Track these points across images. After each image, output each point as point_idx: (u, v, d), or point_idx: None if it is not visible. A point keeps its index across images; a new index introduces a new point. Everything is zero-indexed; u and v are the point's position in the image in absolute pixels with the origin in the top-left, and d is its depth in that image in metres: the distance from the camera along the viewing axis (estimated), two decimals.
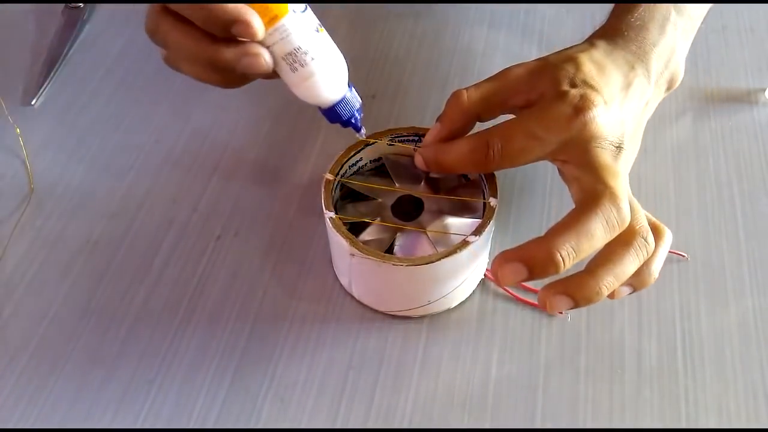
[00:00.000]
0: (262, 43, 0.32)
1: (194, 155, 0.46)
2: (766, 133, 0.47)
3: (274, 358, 0.37)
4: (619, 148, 0.34)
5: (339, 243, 0.35)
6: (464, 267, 0.36)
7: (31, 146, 0.46)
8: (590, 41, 0.37)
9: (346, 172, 0.39)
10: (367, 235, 0.38)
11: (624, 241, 0.32)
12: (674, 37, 0.38)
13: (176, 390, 0.36)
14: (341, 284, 0.40)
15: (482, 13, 0.55)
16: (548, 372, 0.36)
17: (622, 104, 0.35)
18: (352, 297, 0.39)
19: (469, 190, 0.39)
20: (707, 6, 0.41)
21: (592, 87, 0.34)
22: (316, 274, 0.40)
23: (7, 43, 0.53)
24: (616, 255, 0.31)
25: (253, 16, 0.30)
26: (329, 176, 0.38)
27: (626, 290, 0.34)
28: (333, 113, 0.35)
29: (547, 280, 0.32)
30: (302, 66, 0.32)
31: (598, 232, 0.31)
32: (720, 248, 0.41)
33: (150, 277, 0.40)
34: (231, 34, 0.30)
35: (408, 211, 0.39)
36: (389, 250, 0.37)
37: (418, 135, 0.40)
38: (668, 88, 0.40)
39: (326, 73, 0.33)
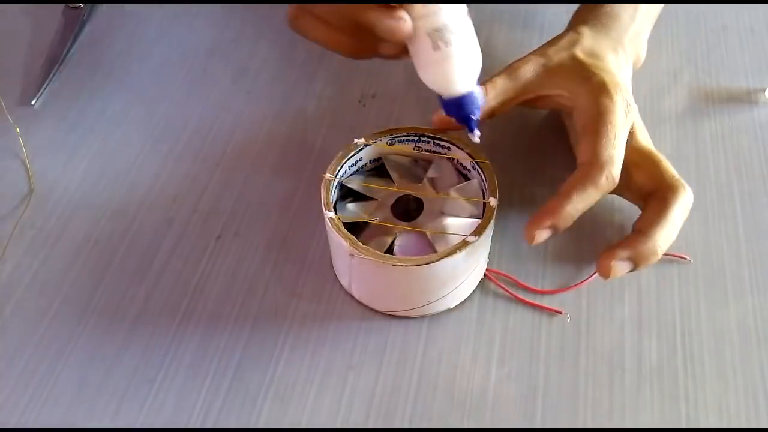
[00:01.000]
0: (410, 12, 0.31)
1: (194, 155, 0.46)
2: (766, 133, 0.47)
3: (274, 358, 0.37)
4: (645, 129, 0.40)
5: (339, 243, 0.35)
6: (464, 267, 0.36)
7: (31, 146, 0.46)
8: (575, 29, 0.41)
9: (345, 172, 0.39)
10: (366, 235, 0.38)
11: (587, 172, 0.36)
12: (642, 22, 0.43)
13: (176, 390, 0.36)
14: (341, 284, 0.40)
15: (482, 13, 0.55)
16: (548, 372, 0.36)
17: (628, 88, 0.39)
18: (352, 297, 0.39)
19: (468, 190, 0.39)
20: None
21: (618, 86, 0.37)
22: (316, 274, 0.40)
23: (7, 43, 0.53)
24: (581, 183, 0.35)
25: (405, 20, 0.31)
26: (329, 176, 0.38)
27: (626, 266, 0.36)
28: (456, 106, 0.34)
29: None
30: (446, 45, 0.31)
31: (680, 220, 0.36)
32: (720, 248, 0.41)
33: (150, 277, 0.40)
34: None
35: (407, 211, 0.39)
36: (389, 250, 0.37)
37: (417, 135, 0.40)
38: (633, 61, 0.44)
39: (465, 60, 0.33)
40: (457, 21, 0.32)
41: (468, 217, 0.38)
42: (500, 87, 0.39)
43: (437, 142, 0.40)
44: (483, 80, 0.39)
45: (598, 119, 0.36)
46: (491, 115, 0.39)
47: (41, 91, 0.49)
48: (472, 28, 0.33)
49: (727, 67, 0.51)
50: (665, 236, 0.36)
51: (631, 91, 0.40)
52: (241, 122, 0.48)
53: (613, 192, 0.38)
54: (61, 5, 0.55)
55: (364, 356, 0.37)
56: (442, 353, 0.37)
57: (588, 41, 0.40)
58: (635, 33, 0.43)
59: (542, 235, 0.35)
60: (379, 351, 0.37)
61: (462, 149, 0.39)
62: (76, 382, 0.36)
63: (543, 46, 0.41)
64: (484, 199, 0.38)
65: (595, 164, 0.35)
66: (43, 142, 0.47)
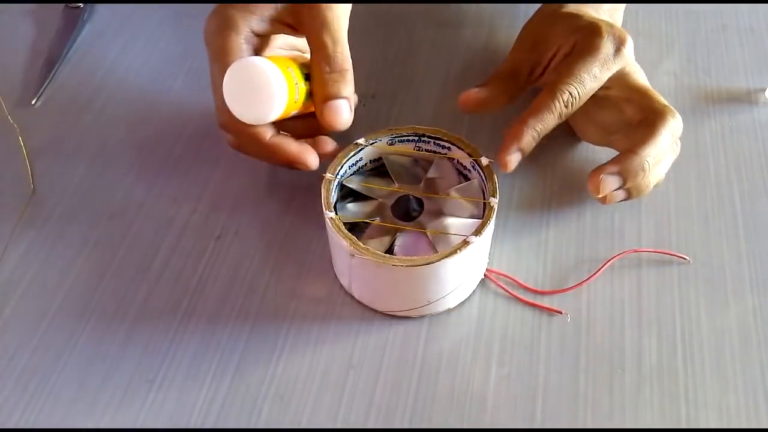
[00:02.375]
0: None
1: (194, 155, 0.46)
2: (766, 133, 0.47)
3: (274, 358, 0.37)
4: (642, 72, 0.41)
5: (339, 243, 0.35)
6: (464, 267, 0.36)
7: (31, 146, 0.46)
8: (556, 2, 0.43)
9: (346, 171, 0.39)
10: (367, 235, 0.38)
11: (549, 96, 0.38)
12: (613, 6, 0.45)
13: (176, 390, 0.36)
14: (341, 284, 0.40)
15: (482, 13, 0.55)
16: (548, 372, 0.36)
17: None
18: (352, 297, 0.39)
19: (468, 190, 0.39)
20: None
21: (608, 24, 0.39)
22: (316, 274, 0.40)
23: (7, 43, 0.53)
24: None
25: (311, 157, 0.38)
26: (329, 176, 0.38)
27: (621, 194, 0.39)
28: None
29: None
30: None
31: (668, 142, 0.38)
32: (720, 248, 0.41)
33: (150, 277, 0.40)
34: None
35: (408, 211, 0.39)
36: (389, 250, 0.37)
37: (417, 135, 0.40)
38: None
39: None
40: None
41: (468, 217, 0.38)
42: (500, 76, 0.41)
43: (437, 142, 0.40)
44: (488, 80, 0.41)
45: (578, 55, 0.38)
46: (495, 102, 0.41)
47: (41, 91, 0.49)
48: None
49: (727, 67, 0.51)
50: (653, 153, 0.37)
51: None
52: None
53: (601, 143, 0.42)
54: (61, 5, 0.55)
55: (364, 356, 0.37)
56: (442, 353, 0.37)
57: (572, 6, 0.41)
58: (611, 9, 0.44)
59: (513, 159, 0.38)
60: (379, 351, 0.37)
61: (462, 149, 0.39)
62: (76, 382, 0.36)
63: (521, 31, 0.43)
64: (484, 199, 0.38)
65: (551, 91, 0.38)
66: (43, 142, 0.47)
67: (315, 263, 0.41)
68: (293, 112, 0.37)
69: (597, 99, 0.40)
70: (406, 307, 0.38)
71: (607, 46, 0.38)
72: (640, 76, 0.40)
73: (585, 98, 0.38)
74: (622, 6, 0.46)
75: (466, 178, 0.40)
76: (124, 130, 0.48)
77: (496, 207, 0.36)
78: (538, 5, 0.55)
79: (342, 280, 0.39)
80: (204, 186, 0.44)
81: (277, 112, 0.34)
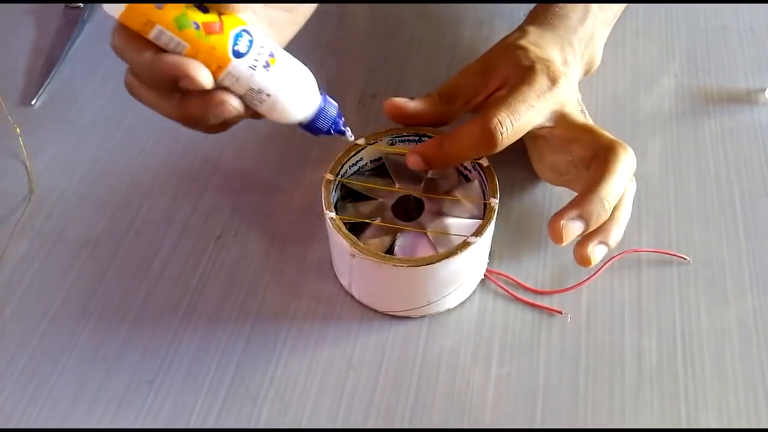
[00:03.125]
0: (220, 88, 0.31)
1: (194, 155, 0.46)
2: (766, 133, 0.47)
3: (274, 358, 0.37)
4: (582, 109, 0.39)
5: (339, 243, 0.35)
6: (465, 268, 0.36)
7: (31, 146, 0.46)
8: (521, 29, 0.42)
9: (346, 172, 0.39)
10: (367, 235, 0.38)
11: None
12: (593, 26, 0.43)
13: (176, 390, 0.36)
14: (341, 284, 0.39)
15: (482, 13, 0.55)
16: (548, 372, 0.36)
17: (569, 75, 0.39)
18: (352, 297, 0.39)
19: (469, 190, 0.39)
20: (621, 7, 0.46)
21: (547, 61, 0.38)
22: (316, 274, 0.40)
23: (7, 43, 0.53)
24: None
25: (196, 68, 0.30)
26: (329, 176, 0.38)
27: (578, 226, 0.35)
28: (313, 128, 0.35)
29: None
30: (260, 102, 0.33)
31: (625, 176, 0.36)
32: (720, 248, 0.41)
33: (150, 276, 0.40)
34: (181, 89, 0.30)
35: (408, 211, 0.39)
36: (389, 250, 0.37)
37: (418, 135, 0.40)
38: (586, 72, 0.44)
39: (289, 99, 0.33)
40: (257, 80, 0.32)
41: (468, 218, 0.38)
42: (432, 98, 0.40)
43: None
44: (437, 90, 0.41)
45: (512, 88, 0.37)
46: (442, 122, 0.40)
47: (41, 91, 0.49)
48: (283, 61, 0.33)
49: (727, 67, 0.51)
50: (611, 190, 0.35)
51: (580, 94, 0.40)
52: (241, 122, 0.48)
53: (558, 183, 0.41)
54: (61, 5, 0.55)
55: (364, 356, 0.37)
56: (442, 353, 0.37)
57: (533, 37, 0.40)
58: (587, 36, 0.43)
59: (415, 160, 0.37)
60: (379, 351, 0.37)
61: None
62: (76, 382, 0.36)
63: (489, 49, 0.42)
64: (484, 199, 0.38)
65: (481, 119, 0.36)
66: (43, 142, 0.47)
67: (315, 263, 0.41)
68: (167, 30, 0.30)
69: (545, 140, 0.39)
70: (406, 307, 0.38)
71: (540, 80, 0.37)
72: (576, 114, 0.38)
73: (520, 129, 0.36)
74: (605, 30, 0.45)
75: (467, 179, 0.40)
76: (124, 129, 0.48)
77: (496, 207, 0.36)
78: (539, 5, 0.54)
79: (342, 280, 0.39)
80: (204, 186, 0.44)
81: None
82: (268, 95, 0.33)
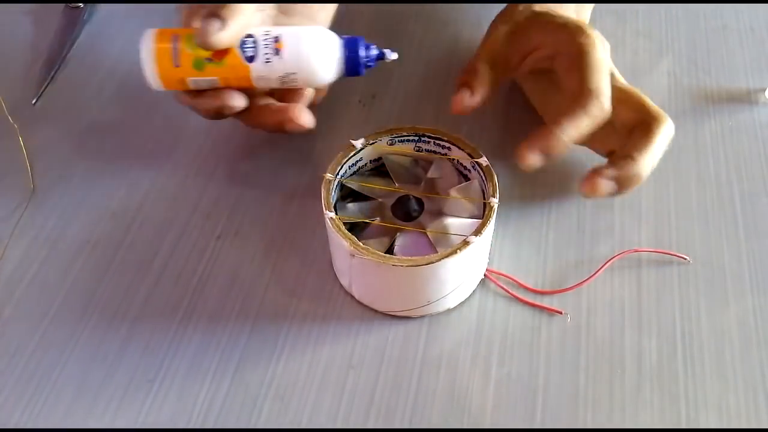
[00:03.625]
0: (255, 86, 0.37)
1: (194, 155, 0.46)
2: (766, 133, 0.47)
3: (274, 358, 0.37)
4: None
5: (339, 243, 0.35)
6: (465, 267, 0.36)
7: (32, 146, 0.46)
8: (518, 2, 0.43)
9: (346, 172, 0.39)
10: (366, 235, 0.38)
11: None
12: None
13: (176, 390, 0.36)
14: (341, 284, 0.40)
15: (482, 13, 0.55)
16: (548, 372, 0.36)
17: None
18: (352, 297, 0.39)
19: (468, 190, 0.39)
20: None
21: (587, 27, 0.39)
22: (316, 274, 0.40)
23: (7, 43, 0.53)
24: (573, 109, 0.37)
25: (228, 98, 0.37)
26: (329, 176, 0.38)
27: (610, 186, 0.37)
28: (352, 74, 0.38)
29: None
30: (294, 82, 0.37)
31: (663, 148, 0.38)
32: (720, 248, 0.41)
33: (150, 277, 0.40)
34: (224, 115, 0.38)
35: (408, 211, 0.39)
36: (389, 250, 0.37)
37: (417, 135, 0.40)
38: None
39: (311, 68, 0.37)
40: (276, 71, 0.36)
41: (468, 218, 0.38)
42: (483, 74, 0.40)
43: (437, 142, 0.40)
44: (463, 75, 0.40)
45: (581, 57, 0.37)
46: (484, 101, 0.40)
47: (41, 91, 0.49)
48: (290, 38, 0.36)
49: (727, 67, 0.51)
50: (649, 161, 0.37)
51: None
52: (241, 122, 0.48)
53: (593, 145, 0.41)
54: (61, 5, 0.55)
55: (364, 356, 0.37)
56: (442, 353, 0.37)
57: (537, 6, 0.41)
58: (577, 8, 0.44)
59: (534, 159, 0.37)
60: (379, 351, 0.37)
61: (462, 149, 0.39)
62: (76, 382, 0.36)
63: (491, 25, 0.43)
64: (484, 199, 0.38)
65: (585, 93, 0.37)
66: (43, 142, 0.47)
67: (315, 263, 0.41)
68: (195, 77, 0.37)
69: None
70: (406, 307, 0.38)
71: (599, 46, 0.38)
72: (619, 75, 0.40)
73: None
74: (590, 6, 0.46)
75: (466, 178, 0.40)
76: (124, 129, 0.48)
77: (496, 207, 0.36)
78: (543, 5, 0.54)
79: (342, 280, 0.39)
80: (204, 186, 0.44)
81: (153, 77, 0.37)
82: (294, 73, 0.36)
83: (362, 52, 0.37)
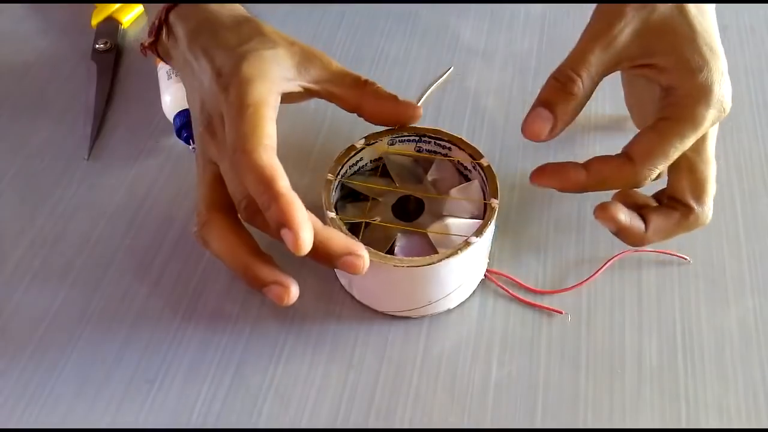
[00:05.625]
0: None
1: (194, 155, 0.46)
2: (766, 133, 0.47)
3: (274, 358, 0.37)
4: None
5: None
6: (465, 268, 0.36)
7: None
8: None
9: (346, 172, 0.39)
10: (367, 235, 0.38)
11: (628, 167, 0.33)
12: None
13: (176, 390, 0.36)
14: (341, 284, 0.39)
15: (482, 13, 0.55)
16: (548, 372, 0.36)
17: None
18: (352, 297, 0.39)
19: (469, 190, 0.39)
20: None
21: (720, 80, 0.32)
22: (316, 274, 0.40)
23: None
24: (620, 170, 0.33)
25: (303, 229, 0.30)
26: (330, 176, 0.38)
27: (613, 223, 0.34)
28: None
29: None
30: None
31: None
32: (720, 248, 0.41)
33: (150, 276, 0.40)
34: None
35: (408, 211, 0.39)
36: (390, 250, 0.37)
37: (418, 135, 0.40)
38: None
39: None
40: None
41: (469, 218, 0.38)
42: (595, 66, 0.33)
43: (438, 142, 0.40)
44: (573, 57, 0.33)
45: (678, 124, 0.32)
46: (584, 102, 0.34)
47: (91, 145, 0.47)
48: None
49: (727, 67, 0.51)
50: (653, 238, 0.35)
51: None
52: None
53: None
54: (88, 53, 0.52)
55: (364, 356, 0.37)
56: (442, 353, 0.37)
57: (694, 8, 0.33)
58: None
59: (547, 182, 0.34)
60: (379, 351, 0.37)
61: (463, 150, 0.39)
62: (76, 382, 0.36)
63: (607, 12, 0.33)
64: (485, 199, 0.38)
65: (638, 163, 0.32)
66: (43, 142, 0.47)
67: (315, 263, 0.40)
68: None
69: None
70: (406, 308, 0.38)
71: (707, 116, 0.32)
72: (712, 146, 0.35)
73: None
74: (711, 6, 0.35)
75: (467, 179, 0.40)
76: (124, 129, 0.48)
77: (497, 208, 0.36)
78: (538, 5, 0.54)
79: (342, 280, 0.39)
80: None
81: None
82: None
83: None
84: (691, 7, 0.33)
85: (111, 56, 0.51)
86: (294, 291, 0.32)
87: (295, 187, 0.44)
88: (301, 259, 0.41)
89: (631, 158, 0.33)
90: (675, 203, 0.36)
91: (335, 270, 0.40)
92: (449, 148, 0.40)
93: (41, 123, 0.48)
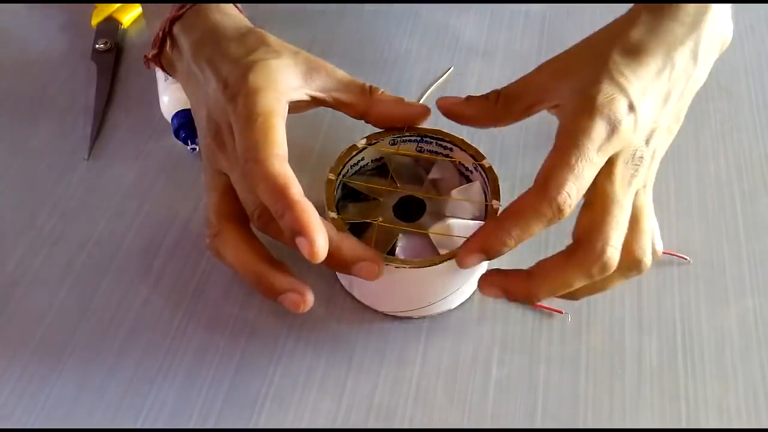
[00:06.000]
0: None
1: (194, 155, 0.46)
2: (766, 133, 0.47)
3: (275, 358, 0.37)
4: (640, 158, 0.33)
5: None
6: (466, 269, 0.36)
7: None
8: (632, 15, 0.35)
9: (347, 171, 0.39)
10: (368, 235, 0.38)
11: (579, 256, 0.31)
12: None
13: (176, 390, 0.36)
14: (341, 284, 0.39)
15: (482, 13, 0.55)
16: (548, 372, 0.36)
17: (655, 94, 0.33)
18: (353, 297, 0.39)
19: (470, 191, 0.39)
20: None
21: (614, 98, 0.32)
22: (316, 274, 0.40)
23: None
24: (566, 267, 0.32)
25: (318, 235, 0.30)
26: (331, 176, 0.37)
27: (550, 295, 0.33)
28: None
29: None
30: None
31: (579, 281, 0.32)
32: (720, 248, 0.41)
33: (150, 276, 0.40)
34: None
35: (410, 212, 0.39)
36: (391, 251, 0.37)
37: (420, 135, 0.40)
38: (720, 50, 0.37)
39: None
40: None
41: (470, 219, 0.38)
42: (511, 95, 0.36)
43: (439, 143, 0.40)
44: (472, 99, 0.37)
45: (566, 140, 0.31)
46: (495, 125, 0.37)
47: (91, 145, 0.47)
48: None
49: (727, 67, 0.51)
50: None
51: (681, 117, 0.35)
52: None
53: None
54: (88, 53, 0.51)
55: (364, 356, 0.37)
56: (442, 353, 0.37)
57: (639, 31, 0.33)
58: (719, 9, 0.35)
59: (472, 260, 0.33)
60: (379, 351, 0.37)
61: (464, 151, 0.39)
62: (76, 382, 0.36)
63: (580, 42, 0.35)
64: (486, 200, 0.38)
65: (543, 190, 0.31)
66: (43, 142, 0.47)
67: (315, 263, 0.40)
68: None
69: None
70: (407, 308, 0.38)
71: (598, 128, 0.31)
72: (648, 193, 0.34)
73: (583, 190, 0.31)
74: (719, 37, 0.36)
75: (468, 180, 0.40)
76: (124, 129, 0.47)
77: (498, 208, 0.36)
78: (538, 5, 0.54)
79: (342, 281, 0.39)
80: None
81: None
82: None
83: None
84: (616, 54, 0.33)
85: (111, 56, 0.51)
86: (309, 298, 0.32)
87: None
88: (301, 260, 0.41)
89: (534, 181, 0.31)
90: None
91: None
92: (450, 149, 0.40)
93: (41, 123, 0.48)
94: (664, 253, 0.40)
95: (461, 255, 0.33)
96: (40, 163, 0.45)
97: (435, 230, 0.37)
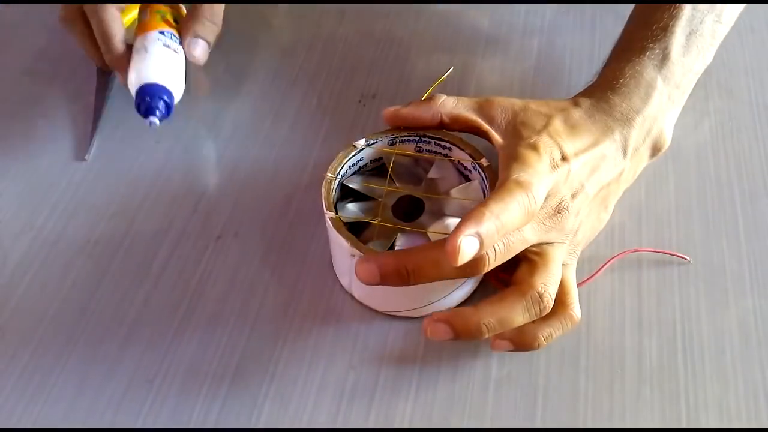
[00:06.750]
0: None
1: (194, 155, 0.46)
2: (766, 133, 0.47)
3: (274, 358, 0.37)
4: (564, 209, 0.35)
5: (339, 243, 0.35)
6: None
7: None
8: (576, 99, 0.39)
9: (346, 171, 0.39)
10: (367, 235, 0.38)
11: (519, 291, 0.34)
12: (659, 104, 0.39)
13: (176, 390, 0.36)
14: (341, 284, 0.39)
15: (482, 13, 0.55)
16: (548, 372, 0.36)
17: (585, 160, 0.36)
18: (352, 297, 0.39)
19: (469, 190, 0.39)
20: (695, 77, 0.41)
21: (556, 142, 0.36)
22: (316, 274, 0.40)
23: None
24: (506, 300, 0.34)
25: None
26: (330, 176, 0.38)
27: (506, 345, 0.35)
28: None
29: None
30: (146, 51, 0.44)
31: (521, 315, 0.34)
32: (720, 248, 0.41)
33: (150, 276, 0.40)
34: None
35: (408, 211, 0.39)
36: (390, 250, 0.37)
37: (418, 135, 0.40)
38: (652, 155, 0.40)
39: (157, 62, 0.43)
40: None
41: None
42: (462, 109, 0.38)
43: (438, 142, 0.40)
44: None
45: (507, 163, 0.34)
46: (439, 126, 0.39)
47: (91, 144, 0.47)
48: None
49: (727, 67, 0.51)
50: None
51: (620, 191, 0.39)
52: (241, 122, 0.48)
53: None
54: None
55: (364, 356, 0.37)
56: (442, 353, 0.37)
57: (579, 112, 0.38)
58: (651, 117, 0.38)
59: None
60: (379, 351, 0.37)
61: (463, 150, 0.39)
62: (76, 382, 0.36)
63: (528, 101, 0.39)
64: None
65: (476, 214, 0.31)
66: (43, 142, 0.47)
67: (315, 263, 0.41)
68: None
69: None
70: (406, 308, 0.38)
71: (543, 161, 0.34)
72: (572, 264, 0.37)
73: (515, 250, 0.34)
74: (674, 109, 0.40)
75: (467, 179, 0.40)
76: (125, 129, 0.48)
77: None
78: (538, 5, 0.54)
79: (342, 280, 0.39)
80: (204, 186, 0.44)
81: None
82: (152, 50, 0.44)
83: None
84: (557, 115, 0.38)
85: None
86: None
87: (296, 187, 0.45)
88: (301, 258, 0.41)
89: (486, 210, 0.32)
90: None
91: (335, 270, 0.40)
92: (449, 149, 0.40)
93: (41, 123, 0.48)
94: (664, 253, 0.41)
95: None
96: (40, 163, 0.45)
97: (434, 229, 0.37)
